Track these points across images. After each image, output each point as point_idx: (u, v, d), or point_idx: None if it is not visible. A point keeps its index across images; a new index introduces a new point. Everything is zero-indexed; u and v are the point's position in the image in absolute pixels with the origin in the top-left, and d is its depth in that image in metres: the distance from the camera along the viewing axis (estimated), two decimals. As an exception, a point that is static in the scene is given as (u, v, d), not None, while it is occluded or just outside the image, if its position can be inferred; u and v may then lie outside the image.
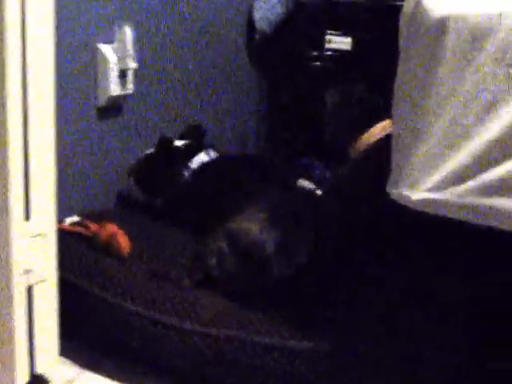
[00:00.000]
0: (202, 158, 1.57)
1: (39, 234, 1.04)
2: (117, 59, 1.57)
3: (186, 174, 1.55)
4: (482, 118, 0.84)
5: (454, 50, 0.86)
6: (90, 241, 1.33)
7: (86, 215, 1.45)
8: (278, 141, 2.30)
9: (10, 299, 1.01)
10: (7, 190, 0.97)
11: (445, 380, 1.03)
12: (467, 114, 0.85)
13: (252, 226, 1.23)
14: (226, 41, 2.07)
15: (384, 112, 1.47)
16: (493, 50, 0.83)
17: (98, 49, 1.54)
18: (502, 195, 0.83)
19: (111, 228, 1.32)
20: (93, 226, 1.35)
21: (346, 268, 1.19)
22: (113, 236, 1.30)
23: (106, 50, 1.56)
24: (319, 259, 1.20)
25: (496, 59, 0.83)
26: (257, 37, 2.16)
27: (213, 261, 1.24)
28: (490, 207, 0.84)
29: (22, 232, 1.01)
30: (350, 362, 1.03)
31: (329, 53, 2.02)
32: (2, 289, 1.01)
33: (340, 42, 1.99)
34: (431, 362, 1.02)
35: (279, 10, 2.10)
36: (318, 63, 2.05)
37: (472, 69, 0.85)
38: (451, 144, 0.86)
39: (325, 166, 2.01)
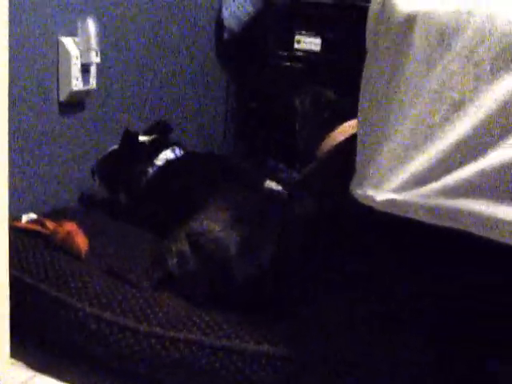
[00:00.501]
0: (167, 154, 1.54)
1: (-11, 231, 1.00)
2: (79, 53, 1.53)
3: (151, 170, 1.51)
4: (448, 118, 0.82)
5: (422, 47, 0.84)
6: (46, 239, 1.28)
7: (45, 213, 1.40)
8: (244, 142, 2.27)
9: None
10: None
11: (409, 376, 1.01)
12: (433, 113, 0.83)
13: (214, 225, 1.20)
14: (194, 37, 2.04)
15: (352, 115, 1.47)
16: (461, 48, 0.81)
17: (59, 42, 1.50)
18: (466, 197, 0.81)
19: (69, 226, 1.27)
20: (50, 224, 1.30)
21: (309, 266, 1.16)
22: (70, 234, 1.25)
23: (68, 43, 1.51)
24: (283, 259, 1.16)
25: (464, 58, 0.81)
26: (225, 35, 2.14)
27: (173, 261, 1.20)
28: (455, 209, 0.82)
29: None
30: (311, 365, 1.00)
31: (298, 53, 2.00)
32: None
33: (309, 43, 1.97)
34: (392, 358, 1.00)
35: (249, 8, 2.08)
36: (287, 63, 2.03)
37: (439, 67, 0.83)
38: (417, 144, 0.84)
39: (292, 169, 2.00)
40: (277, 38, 2.05)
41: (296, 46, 1.98)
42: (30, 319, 1.15)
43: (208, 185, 1.39)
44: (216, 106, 2.23)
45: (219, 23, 2.12)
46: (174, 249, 1.21)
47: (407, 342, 1.01)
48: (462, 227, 0.82)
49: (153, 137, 1.59)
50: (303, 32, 1.98)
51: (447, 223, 0.83)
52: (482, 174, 0.80)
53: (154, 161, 1.52)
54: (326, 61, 1.98)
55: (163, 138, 1.61)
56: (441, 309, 1.02)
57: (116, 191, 1.57)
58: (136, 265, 1.26)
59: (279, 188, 1.75)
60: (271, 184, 1.78)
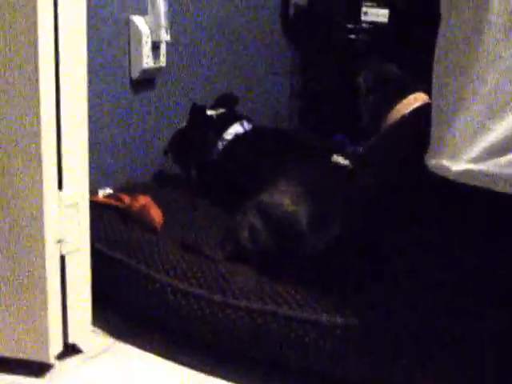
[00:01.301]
0: (236, 129, 1.54)
1: (72, 204, 1.04)
2: (149, 31, 1.55)
3: (221, 145, 1.52)
4: (527, 86, 0.81)
5: (501, 13, 0.82)
6: (122, 213, 1.32)
7: (120, 188, 1.45)
8: (310, 116, 2.27)
9: (43, 269, 1.01)
10: (40, 159, 0.97)
11: (479, 346, 1.00)
12: (512, 81, 0.82)
13: (284, 199, 1.21)
14: (261, 13, 2.04)
15: (416, 89, 1.45)
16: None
17: (130, 20, 1.53)
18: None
19: (143, 200, 1.31)
20: (125, 198, 1.34)
21: (375, 239, 1.17)
22: (145, 208, 1.29)
23: (139, 21, 1.54)
24: (348, 233, 1.17)
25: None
26: (291, 9, 2.13)
27: (245, 234, 1.22)
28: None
29: (55, 201, 1.01)
30: (382, 337, 1.01)
31: (365, 25, 1.98)
32: (36, 258, 1.01)
33: (376, 14, 1.95)
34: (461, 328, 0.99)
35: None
36: (353, 36, 2.01)
37: None
38: (495, 113, 0.83)
39: (358, 143, 1.98)
40: (343, 10, 2.02)
41: (363, 17, 1.96)
42: (109, 289, 1.19)
43: (277, 158, 1.40)
44: (282, 82, 2.22)
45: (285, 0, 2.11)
46: (245, 222, 1.23)
47: (476, 312, 1.00)
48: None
49: (220, 110, 1.60)
50: (370, 3, 1.95)
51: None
52: None
53: (223, 135, 1.52)
54: (394, 32, 1.94)
55: (231, 111, 1.61)
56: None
57: (187, 167, 1.60)
58: (209, 238, 1.29)
59: (346, 162, 1.74)
60: (338, 158, 1.78)
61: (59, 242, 1.03)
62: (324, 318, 1.02)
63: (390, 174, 1.31)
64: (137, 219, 1.29)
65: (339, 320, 1.01)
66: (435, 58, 0.96)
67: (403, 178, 1.30)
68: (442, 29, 0.94)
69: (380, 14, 1.94)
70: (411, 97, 1.42)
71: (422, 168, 1.29)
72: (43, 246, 1.00)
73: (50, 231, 1.01)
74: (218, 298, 1.09)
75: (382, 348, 1.00)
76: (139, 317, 1.20)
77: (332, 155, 1.68)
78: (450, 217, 1.11)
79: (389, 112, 1.45)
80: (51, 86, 0.97)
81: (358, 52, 2.03)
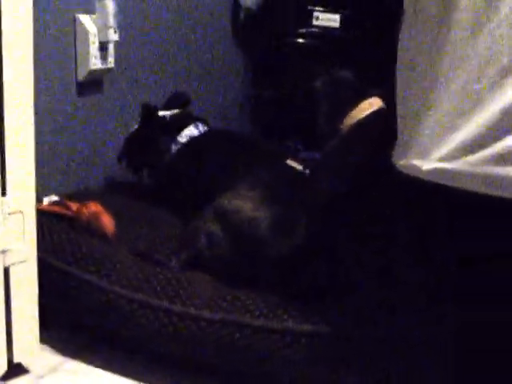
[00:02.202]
0: (191, 131, 1.48)
1: (17, 212, 0.97)
2: (97, 31, 1.49)
3: (174, 148, 1.46)
4: (496, 83, 0.78)
5: (467, 11, 0.80)
6: (70, 221, 1.25)
7: (66, 195, 1.37)
8: (262, 121, 2.23)
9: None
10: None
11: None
12: (481, 79, 0.79)
13: (244, 204, 1.16)
14: (211, 15, 2.00)
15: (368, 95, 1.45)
16: (509, 11, 0.77)
17: (76, 19, 1.46)
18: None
19: (94, 207, 1.24)
20: (73, 206, 1.27)
21: (338, 242, 1.14)
22: (96, 215, 1.22)
23: (86, 20, 1.47)
24: (316, 237, 1.13)
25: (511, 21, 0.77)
26: (242, 14, 2.10)
27: (202, 241, 1.17)
28: (506, 177, 0.78)
29: (-3, 207, 0.93)
30: (350, 343, 0.97)
31: (317, 30, 1.96)
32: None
33: (328, 19, 1.93)
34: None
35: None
36: (305, 41, 1.99)
37: (486, 31, 0.79)
38: (464, 111, 0.80)
39: (311, 150, 1.96)
40: (294, 15, 2.00)
41: (314, 22, 1.94)
42: (57, 303, 1.12)
43: (233, 162, 1.35)
44: (232, 86, 2.18)
45: (236, 2, 2.07)
46: (202, 229, 1.18)
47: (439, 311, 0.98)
48: (512, 195, 0.79)
49: (174, 111, 1.54)
50: (322, 9, 1.93)
51: (497, 192, 0.80)
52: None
53: (178, 138, 1.46)
54: (345, 38, 1.93)
55: (185, 112, 1.55)
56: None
57: (140, 171, 1.53)
58: (163, 246, 1.23)
59: (300, 167, 1.71)
60: (292, 163, 1.74)
61: (2, 252, 0.96)
62: (290, 325, 0.98)
63: (346, 178, 1.30)
64: (86, 227, 1.22)
65: (306, 327, 0.97)
66: (398, 58, 0.94)
67: (360, 181, 1.28)
68: (406, 27, 0.92)
69: (331, 19, 1.92)
70: (366, 102, 1.41)
71: (379, 170, 1.28)
72: (-15, 256, 0.93)
73: (-7, 241, 0.93)
74: (177, 308, 1.03)
75: (349, 354, 0.96)
76: (91, 332, 1.13)
77: (286, 160, 1.65)
78: (409, 217, 1.10)
79: (344, 117, 1.44)
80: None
81: (308, 56, 2.01)
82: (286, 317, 1.00)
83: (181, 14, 1.84)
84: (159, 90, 1.76)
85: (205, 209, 1.21)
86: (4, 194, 0.94)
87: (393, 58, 1.95)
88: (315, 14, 1.94)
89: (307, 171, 1.65)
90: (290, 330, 0.98)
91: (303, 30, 1.99)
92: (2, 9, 0.90)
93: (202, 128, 1.50)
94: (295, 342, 0.98)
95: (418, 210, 1.10)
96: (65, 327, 1.16)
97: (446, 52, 0.82)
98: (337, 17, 1.92)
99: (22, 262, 0.99)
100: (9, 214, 0.95)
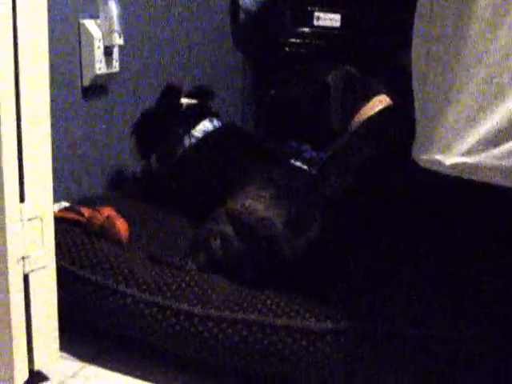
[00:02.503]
0: (206, 125, 1.45)
1: (35, 218, 0.96)
2: (102, 35, 1.48)
3: (187, 142, 1.43)
4: (518, 76, 0.79)
5: (486, 5, 0.80)
6: (83, 226, 1.24)
7: (77, 201, 1.37)
8: (264, 122, 2.23)
9: (5, 289, 0.93)
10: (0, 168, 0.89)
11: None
12: (502, 72, 0.80)
13: (257, 204, 1.16)
14: (211, 19, 1.99)
15: (377, 92, 1.45)
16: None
17: (81, 24, 1.45)
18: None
19: (107, 211, 1.23)
20: (86, 211, 1.26)
21: (354, 240, 1.14)
22: (109, 220, 1.21)
23: (90, 25, 1.47)
24: (331, 235, 1.13)
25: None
26: (241, 16, 2.09)
27: (216, 243, 1.17)
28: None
29: (16, 214, 0.93)
30: (374, 341, 0.97)
31: (318, 30, 1.96)
32: (-3, 278, 0.93)
33: (329, 19, 1.93)
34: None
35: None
36: (306, 41, 1.98)
37: (506, 25, 0.79)
38: (486, 105, 0.81)
39: (317, 150, 1.96)
40: (295, 15, 2.00)
41: (315, 23, 1.94)
42: (77, 310, 1.11)
43: (244, 161, 1.35)
44: (234, 88, 2.18)
45: (235, 4, 2.07)
46: (216, 230, 1.17)
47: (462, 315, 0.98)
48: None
49: (192, 101, 1.51)
50: (322, 8, 1.94)
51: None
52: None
53: (192, 131, 1.44)
54: (347, 36, 1.93)
55: (202, 104, 1.52)
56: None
57: (148, 158, 1.51)
58: (177, 248, 1.22)
59: (305, 167, 1.71)
60: (296, 163, 1.75)
61: (23, 259, 0.95)
62: (312, 324, 0.97)
63: (356, 174, 1.30)
64: (100, 232, 1.21)
65: (329, 325, 0.97)
66: (413, 54, 0.94)
67: (370, 177, 1.28)
68: (420, 23, 0.92)
69: (332, 19, 1.92)
70: (376, 99, 1.43)
71: (391, 167, 1.28)
72: (5, 263, 0.92)
73: (12, 248, 0.92)
74: (198, 310, 1.03)
75: (373, 353, 0.96)
76: (111, 337, 1.12)
77: (290, 160, 1.66)
78: (431, 217, 1.10)
79: (353, 115, 1.44)
80: (11, 92, 0.89)
81: (310, 56, 2.01)
82: (308, 315, 0.99)
83: (182, 18, 1.84)
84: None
85: (217, 210, 1.21)
86: (22, 200, 0.93)
87: (394, 56, 1.96)
88: (316, 14, 1.93)
89: (313, 170, 1.66)
90: (313, 328, 0.98)
91: (304, 30, 1.98)
92: (18, 19, 0.89)
93: (216, 123, 1.48)
94: (318, 340, 0.97)
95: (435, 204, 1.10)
96: (83, 333, 1.15)
97: (467, 47, 0.82)
98: (337, 16, 1.92)
99: (41, 268, 0.98)
100: (28, 219, 0.94)
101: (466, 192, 0.98)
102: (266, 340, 0.99)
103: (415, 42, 0.95)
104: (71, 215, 1.27)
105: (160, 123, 1.47)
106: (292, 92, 1.91)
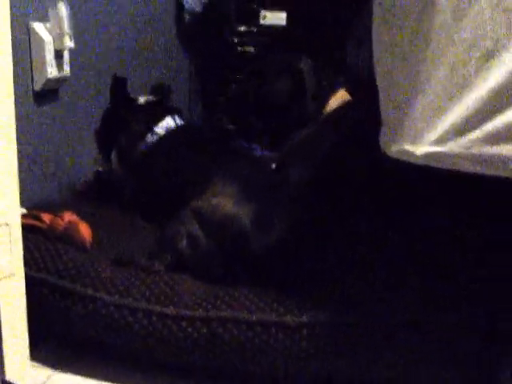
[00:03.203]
0: (168, 122, 1.43)
1: (2, 224, 0.93)
2: (52, 39, 1.45)
3: (150, 139, 1.41)
4: (482, 66, 0.82)
5: (449, -2, 0.83)
6: (44, 233, 1.21)
7: (34, 207, 1.33)
8: (213, 124, 2.23)
9: (-25, 298, 0.90)
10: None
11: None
12: (467, 62, 0.83)
13: (223, 201, 1.16)
14: (157, 21, 1.98)
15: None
16: (489, -4, 0.81)
17: (30, 28, 1.42)
18: (508, 143, 0.81)
19: (68, 216, 1.21)
20: (46, 217, 1.23)
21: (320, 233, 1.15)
22: (71, 225, 1.19)
23: (40, 28, 1.43)
24: (298, 228, 1.14)
25: (494, 6, 0.81)
26: (186, 17, 2.09)
27: (183, 243, 1.16)
28: (498, 156, 0.82)
29: (-17, 222, 0.90)
30: (350, 332, 0.98)
31: (264, 29, 1.98)
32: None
33: (275, 18, 1.95)
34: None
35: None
36: (253, 40, 2.00)
37: (469, 17, 0.83)
38: (452, 94, 0.84)
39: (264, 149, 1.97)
40: (240, 14, 2.01)
41: (261, 21, 1.95)
42: (45, 317, 1.08)
43: (206, 158, 1.34)
44: (181, 90, 2.18)
45: (180, 6, 2.07)
46: (182, 230, 1.17)
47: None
48: (505, 174, 0.82)
49: (151, 97, 1.50)
50: (268, 7, 1.96)
51: (492, 171, 0.83)
52: (524, 117, 0.80)
53: (154, 128, 1.41)
54: (293, 34, 1.96)
55: (162, 101, 1.51)
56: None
57: (108, 154, 1.48)
58: (143, 250, 1.21)
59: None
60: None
61: (-10, 267, 0.92)
62: (288, 318, 0.98)
63: (316, 166, 1.31)
64: (63, 238, 1.19)
65: (305, 319, 0.98)
66: (374, 48, 0.97)
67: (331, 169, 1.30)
68: (380, 14, 0.95)
69: (278, 17, 1.95)
70: (338, 93, 1.44)
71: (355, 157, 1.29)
72: (-26, 272, 0.89)
73: (-19, 255, 0.90)
74: (171, 311, 1.02)
75: (350, 344, 0.97)
76: (80, 342, 1.10)
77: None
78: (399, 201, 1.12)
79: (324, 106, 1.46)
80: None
81: (257, 55, 2.03)
82: (282, 309, 1.00)
83: (128, 20, 1.82)
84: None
85: (181, 209, 1.20)
86: (-12, 206, 0.91)
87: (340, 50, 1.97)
88: (262, 12, 1.95)
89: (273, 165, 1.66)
90: (288, 322, 0.99)
91: (248, 29, 2.00)
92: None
93: (178, 120, 1.46)
94: (295, 334, 0.98)
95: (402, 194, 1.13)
96: (52, 340, 1.12)
97: (431, 39, 0.85)
98: (283, 15, 1.95)
99: (9, 276, 0.96)
100: (-6, 226, 0.92)
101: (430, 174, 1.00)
102: (242, 336, 0.99)
103: (375, 36, 0.97)
104: (31, 222, 1.24)
105: (118, 120, 1.45)
106: (263, 82, 1.91)
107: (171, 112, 1.48)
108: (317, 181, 1.23)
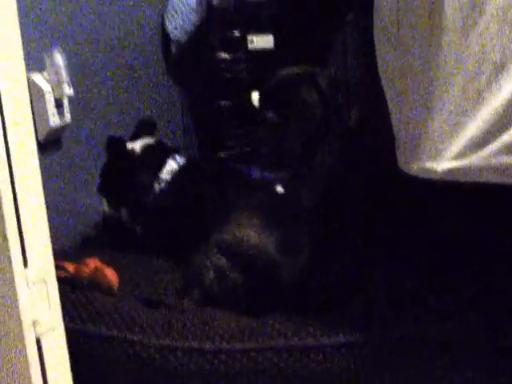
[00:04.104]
0: (171, 165, 1.44)
1: (40, 280, 0.95)
2: (51, 88, 1.47)
3: (157, 185, 1.41)
4: (494, 79, 0.85)
5: (454, 16, 0.86)
6: (69, 282, 1.22)
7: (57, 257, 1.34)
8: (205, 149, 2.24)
9: (21, 355, 0.91)
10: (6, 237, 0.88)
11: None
12: (478, 77, 0.86)
13: (247, 232, 1.18)
14: (145, 58, 2.00)
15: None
16: (495, 10, 0.84)
17: (29, 78, 1.43)
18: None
19: (93, 263, 1.22)
20: (70, 266, 1.24)
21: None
22: (98, 270, 1.21)
23: (38, 79, 1.45)
24: (323, 253, 1.17)
25: (500, 20, 0.84)
26: (173, 48, 2.11)
27: (210, 277, 1.18)
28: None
29: (22, 280, 0.91)
30: (381, 353, 1.00)
31: (252, 53, 2.00)
32: (11, 345, 0.91)
33: (262, 41, 1.98)
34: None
35: (193, 17, 2.06)
36: (242, 65, 2.02)
37: (476, 33, 0.86)
38: (467, 109, 0.87)
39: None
40: (226, 41, 2.03)
41: (249, 46, 1.98)
42: (87, 366, 1.09)
43: (217, 191, 1.36)
44: (174, 124, 2.19)
45: (165, 37, 2.09)
46: (208, 264, 1.19)
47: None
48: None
49: (144, 142, 1.50)
50: (254, 31, 1.98)
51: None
52: (538, 125, 0.83)
53: (159, 175, 1.42)
54: (282, 56, 1.98)
55: (156, 142, 1.50)
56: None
57: (119, 209, 1.48)
58: (169, 289, 1.23)
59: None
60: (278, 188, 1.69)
61: (34, 323, 0.93)
62: (326, 341, 1.00)
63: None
64: (90, 285, 1.20)
65: (342, 339, 1.00)
66: (382, 75, 1.00)
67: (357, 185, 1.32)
68: (385, 45, 0.98)
69: (266, 41, 1.98)
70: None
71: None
72: (20, 329, 0.90)
73: (24, 312, 0.91)
74: (209, 346, 1.04)
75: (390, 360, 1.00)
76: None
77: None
78: (421, 221, 1.15)
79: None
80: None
81: (247, 81, 2.05)
82: (319, 333, 1.02)
83: (118, 62, 1.84)
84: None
85: (205, 244, 1.22)
86: (26, 265, 0.92)
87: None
88: (249, 37, 1.98)
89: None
90: (325, 344, 1.01)
91: (239, 54, 2.02)
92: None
93: (179, 160, 1.47)
94: (331, 355, 1.00)
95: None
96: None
97: (440, 58, 0.88)
98: (270, 38, 1.97)
99: (50, 330, 0.97)
100: (33, 283, 0.93)
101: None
102: (282, 363, 1.01)
103: (380, 61, 1.00)
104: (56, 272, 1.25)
105: (120, 176, 1.45)
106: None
107: (169, 152, 1.48)
108: (335, 198, 1.25)
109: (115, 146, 1.46)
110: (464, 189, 0.93)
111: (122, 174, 1.45)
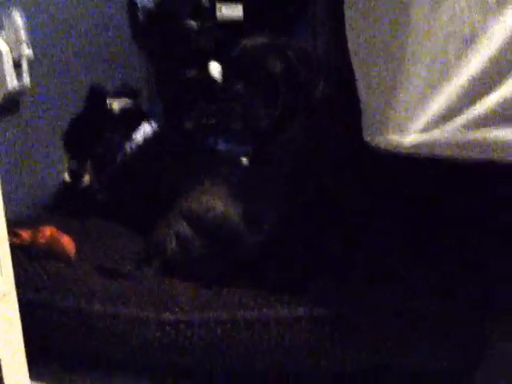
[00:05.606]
0: (146, 129, 1.41)
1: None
2: (9, 48, 1.41)
3: (129, 147, 1.39)
4: (462, 53, 0.84)
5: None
6: (25, 249, 1.19)
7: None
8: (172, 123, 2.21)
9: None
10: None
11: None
12: (447, 50, 0.85)
13: (214, 201, 1.16)
14: (110, 24, 1.94)
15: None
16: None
17: (-14, 39, 1.38)
18: (491, 126, 0.83)
19: (49, 230, 1.19)
20: (25, 233, 1.21)
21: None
22: (54, 239, 1.17)
23: (-4, 39, 1.39)
24: (289, 222, 1.15)
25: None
26: (140, 15, 2.06)
27: (173, 245, 1.16)
28: (481, 140, 0.84)
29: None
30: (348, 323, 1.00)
31: (221, 22, 1.96)
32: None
33: (231, 10, 1.94)
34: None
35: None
36: (210, 33, 1.98)
37: (446, 6, 0.84)
38: (435, 83, 0.86)
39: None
40: (195, 9, 1.99)
41: (218, 14, 1.94)
42: (40, 335, 1.07)
43: (186, 161, 1.33)
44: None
45: (133, 4, 2.03)
46: (171, 233, 1.17)
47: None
48: (492, 156, 0.85)
49: (125, 102, 1.47)
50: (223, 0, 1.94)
51: (476, 155, 0.85)
52: (504, 101, 0.82)
53: (132, 136, 1.39)
54: (251, 25, 1.95)
55: (135, 105, 1.48)
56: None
57: (82, 165, 1.44)
58: (129, 258, 1.20)
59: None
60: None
61: (-17, 290, 0.90)
62: (286, 313, 0.99)
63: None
64: (46, 253, 1.17)
65: (302, 312, 0.99)
66: (351, 47, 0.98)
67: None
68: (355, 16, 0.96)
69: (235, 9, 1.94)
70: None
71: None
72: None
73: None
74: (167, 316, 1.02)
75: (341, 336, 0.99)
76: (79, 357, 1.09)
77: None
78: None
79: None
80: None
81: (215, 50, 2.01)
82: (278, 305, 1.01)
83: (81, 28, 1.78)
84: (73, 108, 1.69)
85: (170, 212, 1.19)
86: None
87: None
88: (218, 5, 1.94)
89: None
90: (284, 316, 1.00)
91: (207, 23, 1.98)
92: None
93: (154, 125, 1.44)
94: (289, 328, 1.00)
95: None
96: (51, 358, 1.10)
97: (409, 31, 0.86)
98: (239, 6, 1.94)
99: (3, 296, 0.94)
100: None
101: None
102: (241, 335, 1.00)
103: (350, 34, 0.99)
104: (10, 239, 1.21)
105: (91, 129, 1.42)
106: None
107: (146, 117, 1.46)
108: (303, 174, 1.23)
109: (95, 97, 1.43)
110: (435, 161, 0.92)
111: (94, 129, 1.41)
